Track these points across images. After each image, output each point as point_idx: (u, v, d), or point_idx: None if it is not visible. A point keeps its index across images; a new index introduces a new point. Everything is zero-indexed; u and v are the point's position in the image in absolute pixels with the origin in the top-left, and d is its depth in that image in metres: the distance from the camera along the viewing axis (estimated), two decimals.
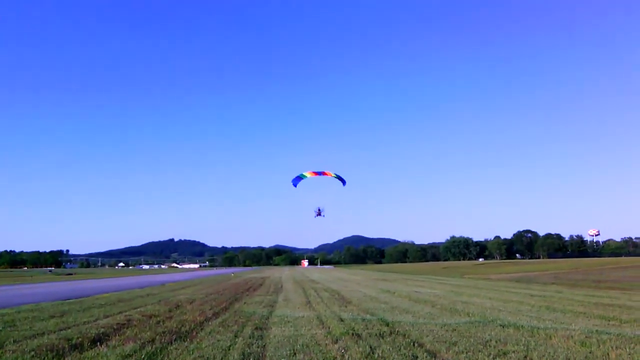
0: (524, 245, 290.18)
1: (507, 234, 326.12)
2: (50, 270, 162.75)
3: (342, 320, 14.15)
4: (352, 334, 11.34)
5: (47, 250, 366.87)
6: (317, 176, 33.46)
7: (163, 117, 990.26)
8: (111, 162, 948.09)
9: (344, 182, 33.93)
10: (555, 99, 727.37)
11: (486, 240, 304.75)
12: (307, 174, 33.25)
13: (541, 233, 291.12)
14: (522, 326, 12.49)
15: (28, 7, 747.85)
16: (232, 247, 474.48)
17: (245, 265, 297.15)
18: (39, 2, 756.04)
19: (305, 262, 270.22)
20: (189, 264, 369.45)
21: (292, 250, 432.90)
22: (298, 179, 33.51)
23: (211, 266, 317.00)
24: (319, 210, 34.88)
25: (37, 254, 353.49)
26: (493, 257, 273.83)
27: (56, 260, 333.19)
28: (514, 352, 9.32)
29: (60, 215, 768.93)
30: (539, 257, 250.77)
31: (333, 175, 33.56)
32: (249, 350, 9.61)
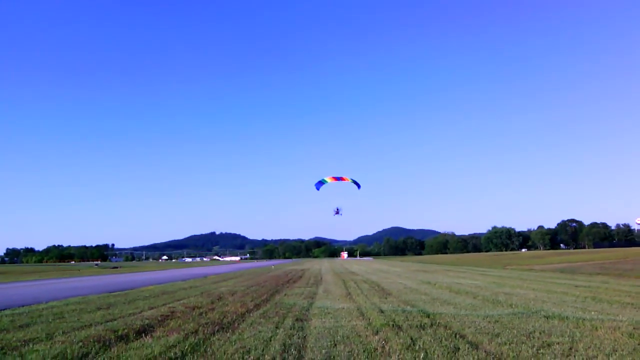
0: (569, 235, 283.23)
1: (551, 223, 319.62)
2: (96, 264, 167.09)
3: (382, 311, 14.10)
4: (393, 326, 11.29)
5: (94, 245, 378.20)
6: (336, 181, 36.03)
7: (204, 114, 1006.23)
8: (154, 159, 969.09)
9: (359, 186, 36.65)
10: (598, 80, 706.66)
11: (529, 231, 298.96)
12: (328, 179, 35.73)
13: (586, 222, 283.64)
14: (567, 317, 12.22)
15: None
16: (272, 240, 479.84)
17: (285, 258, 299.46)
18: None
19: (344, 254, 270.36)
20: (230, 256, 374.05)
21: (332, 242, 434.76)
22: (320, 183, 35.93)
23: (252, 259, 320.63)
24: (337, 209, 37.65)
25: (84, 248, 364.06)
26: (536, 248, 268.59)
27: (102, 254, 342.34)
28: (558, 343, 9.13)
29: (105, 211, 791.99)
30: (584, 247, 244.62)
31: (349, 180, 36.07)
32: (289, 342, 9.68)
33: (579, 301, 16.23)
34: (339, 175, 36.33)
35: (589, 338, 9.57)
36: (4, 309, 16.14)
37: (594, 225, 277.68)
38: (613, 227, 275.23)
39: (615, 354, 8.21)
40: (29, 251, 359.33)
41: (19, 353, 8.94)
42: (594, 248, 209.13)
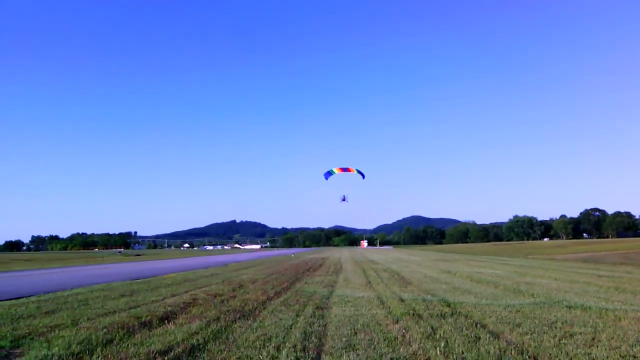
0: (592, 225, 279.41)
1: (574, 212, 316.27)
2: (119, 252, 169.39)
3: (402, 300, 14.10)
4: (413, 314, 11.29)
5: (117, 233, 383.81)
6: (343, 172, 38.54)
7: (225, 103, 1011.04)
8: (175, 148, 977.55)
9: (363, 175, 39.44)
10: (622, 67, 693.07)
11: (551, 220, 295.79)
12: (335, 170, 38.16)
13: (610, 211, 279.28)
14: (589, 307, 12.10)
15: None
16: (292, 228, 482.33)
17: (305, 246, 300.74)
18: None
19: (364, 243, 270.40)
20: (251, 244, 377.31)
21: (351, 231, 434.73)
22: (328, 173, 38.37)
23: (272, 247, 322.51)
24: (344, 197, 41.04)
25: (107, 235, 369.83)
26: (559, 237, 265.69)
27: (125, 241, 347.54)
28: (581, 333, 9.05)
29: (129, 199, 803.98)
30: (607, 237, 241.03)
31: (355, 170, 38.67)
32: (310, 329, 9.73)
33: (602, 291, 16.05)
34: (345, 166, 38.59)
35: (612, 329, 9.47)
36: (30, 296, 16.45)
37: (617, 214, 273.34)
38: (637, 217, 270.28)
39: (639, 345, 8.11)
40: (54, 239, 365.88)
41: (46, 339, 9.13)
42: (618, 237, 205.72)
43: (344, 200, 40.73)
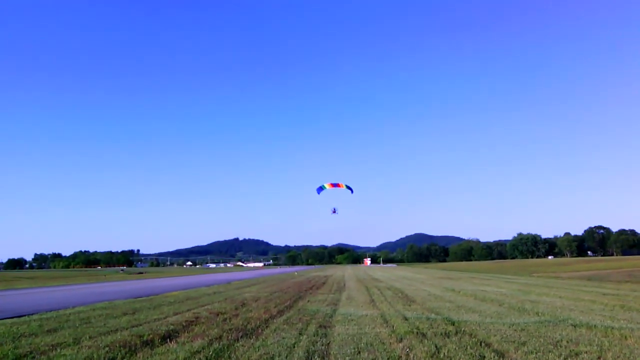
0: (596, 242, 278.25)
1: (578, 230, 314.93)
2: (122, 270, 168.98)
3: (406, 319, 14.00)
4: (417, 333, 11.20)
5: (119, 250, 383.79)
6: (333, 187, 40.67)
7: (229, 122, 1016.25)
8: (179, 166, 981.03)
9: (352, 190, 41.72)
10: (628, 84, 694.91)
11: (555, 237, 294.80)
12: (327, 185, 40.30)
13: (614, 229, 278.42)
14: (595, 326, 11.99)
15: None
16: (295, 246, 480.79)
17: (308, 264, 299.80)
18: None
19: (367, 261, 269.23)
20: (254, 262, 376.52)
21: (355, 248, 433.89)
22: (320, 188, 40.48)
23: (275, 265, 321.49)
24: (334, 209, 43.27)
25: (110, 253, 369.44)
26: (563, 255, 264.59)
27: (128, 259, 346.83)
28: (586, 352, 8.96)
29: (131, 217, 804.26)
30: (612, 254, 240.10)
31: (344, 186, 40.92)
32: (313, 348, 9.66)
33: (607, 309, 15.92)
34: (335, 182, 40.69)
35: (618, 347, 9.38)
36: (32, 314, 16.42)
37: (622, 232, 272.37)
38: None
39: None
40: (57, 257, 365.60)
41: (47, 357, 9.09)
42: (623, 255, 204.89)
43: (334, 212, 43.04)
